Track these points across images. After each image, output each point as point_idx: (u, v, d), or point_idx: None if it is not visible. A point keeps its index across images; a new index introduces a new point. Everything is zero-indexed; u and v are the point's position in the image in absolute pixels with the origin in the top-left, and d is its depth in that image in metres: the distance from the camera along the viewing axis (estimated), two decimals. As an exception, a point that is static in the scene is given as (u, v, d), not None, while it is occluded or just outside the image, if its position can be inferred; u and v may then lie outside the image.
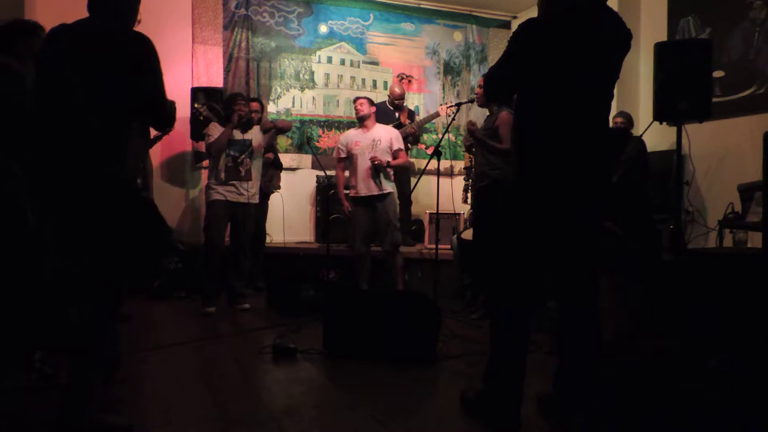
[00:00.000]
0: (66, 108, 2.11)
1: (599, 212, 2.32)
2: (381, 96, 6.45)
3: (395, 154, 4.71)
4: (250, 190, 4.54)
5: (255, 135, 4.62)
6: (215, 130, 4.48)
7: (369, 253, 4.78)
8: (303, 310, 4.28)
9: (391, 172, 4.74)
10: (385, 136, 4.71)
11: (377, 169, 4.61)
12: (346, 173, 4.95)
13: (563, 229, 2.23)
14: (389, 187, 4.71)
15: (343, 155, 4.83)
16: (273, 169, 5.43)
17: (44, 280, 2.72)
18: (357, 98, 4.85)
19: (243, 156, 4.51)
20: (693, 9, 5.13)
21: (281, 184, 5.61)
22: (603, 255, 2.69)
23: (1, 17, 2.82)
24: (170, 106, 2.48)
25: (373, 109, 4.80)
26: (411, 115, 5.94)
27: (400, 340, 3.21)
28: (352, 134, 4.82)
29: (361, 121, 4.76)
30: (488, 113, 4.18)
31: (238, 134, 4.51)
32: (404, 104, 5.93)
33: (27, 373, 2.63)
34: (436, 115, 5.71)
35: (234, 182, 4.48)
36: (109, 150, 2.14)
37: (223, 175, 4.46)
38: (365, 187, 4.66)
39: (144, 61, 2.16)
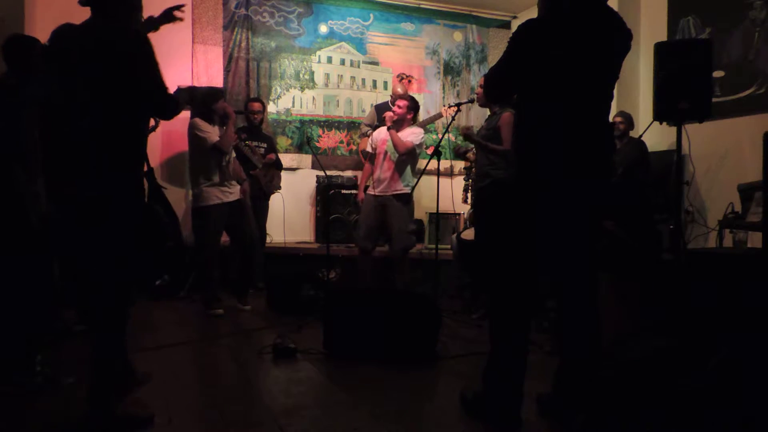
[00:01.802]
0: (69, 112, 2.15)
1: (599, 212, 2.32)
2: (381, 96, 6.45)
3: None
4: (236, 187, 4.54)
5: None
6: (207, 127, 4.41)
7: (373, 251, 4.77)
8: (303, 310, 4.28)
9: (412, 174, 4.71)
10: (404, 135, 4.64)
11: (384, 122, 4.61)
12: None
13: (563, 228, 2.23)
14: (404, 188, 4.64)
15: (371, 151, 4.84)
16: (273, 170, 5.43)
17: (45, 280, 2.72)
18: (400, 97, 4.83)
19: (228, 154, 4.51)
20: (693, 9, 5.13)
21: (281, 184, 5.60)
22: (603, 255, 2.69)
23: (1, 17, 2.82)
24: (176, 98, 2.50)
25: (411, 114, 4.73)
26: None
27: (400, 340, 3.21)
28: (383, 133, 4.74)
29: (396, 124, 4.65)
30: (489, 113, 4.18)
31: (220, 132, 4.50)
32: None
33: (28, 375, 2.63)
34: (439, 116, 5.71)
35: (227, 181, 4.46)
36: (117, 150, 2.17)
37: (218, 177, 4.42)
38: (380, 186, 4.66)
39: (131, 54, 2.17)
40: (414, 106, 4.76)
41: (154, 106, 2.33)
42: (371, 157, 4.85)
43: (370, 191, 4.73)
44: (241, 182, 4.71)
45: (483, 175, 4.04)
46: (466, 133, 4.20)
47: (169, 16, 2.60)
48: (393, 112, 4.68)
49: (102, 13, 2.21)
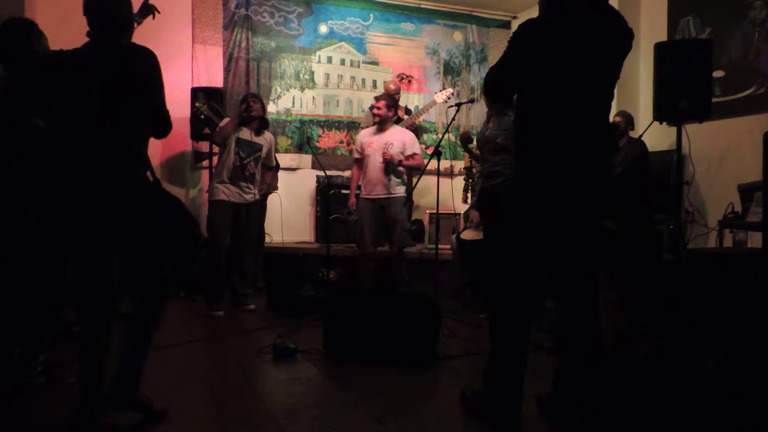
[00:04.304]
0: (84, 121, 2.19)
1: (599, 211, 2.32)
2: (381, 96, 6.45)
3: (409, 157, 4.68)
4: (252, 191, 4.56)
5: (266, 140, 4.64)
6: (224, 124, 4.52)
7: (375, 253, 4.79)
8: (303, 310, 4.28)
9: (404, 174, 4.75)
10: (398, 139, 4.68)
11: (388, 165, 4.62)
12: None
13: (563, 228, 2.23)
14: (399, 189, 4.70)
15: (358, 156, 4.84)
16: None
17: (45, 281, 2.72)
18: (377, 99, 4.82)
19: (250, 158, 4.51)
20: (693, 9, 5.13)
21: (279, 184, 5.60)
22: (603, 255, 2.69)
23: (2, 17, 2.81)
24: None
25: (391, 112, 4.76)
26: (407, 111, 5.94)
27: (400, 340, 3.21)
28: (367, 135, 4.81)
29: (379, 125, 4.74)
30: (490, 113, 4.16)
31: (247, 134, 4.52)
32: (400, 99, 5.92)
33: (30, 375, 2.63)
34: (433, 103, 5.69)
35: (239, 183, 4.48)
36: (130, 156, 2.23)
37: (226, 175, 4.45)
38: (374, 188, 4.68)
39: (146, 78, 2.23)
40: (392, 103, 4.79)
41: (154, 128, 2.35)
42: (359, 162, 4.85)
43: (365, 195, 4.73)
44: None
45: (493, 174, 3.95)
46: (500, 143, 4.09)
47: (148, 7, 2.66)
48: (373, 115, 4.74)
49: (105, 33, 2.24)
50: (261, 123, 4.59)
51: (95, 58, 2.20)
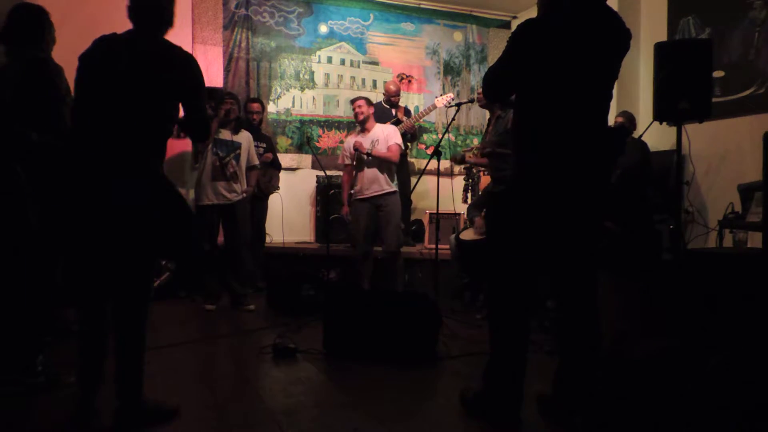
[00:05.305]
0: (114, 115, 2.20)
1: (599, 212, 2.32)
2: (381, 96, 6.45)
3: (388, 149, 4.74)
4: (237, 190, 4.55)
5: (245, 138, 4.64)
6: None
7: (372, 252, 4.80)
8: (303, 310, 4.29)
9: (392, 170, 4.78)
10: (382, 135, 4.76)
11: (359, 155, 4.68)
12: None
13: (563, 228, 2.23)
14: (392, 186, 4.75)
15: (348, 161, 4.85)
16: (272, 170, 5.43)
17: (45, 280, 2.72)
18: (355, 100, 4.83)
19: (229, 157, 4.51)
20: (693, 9, 5.12)
21: (280, 184, 5.60)
22: (603, 255, 2.68)
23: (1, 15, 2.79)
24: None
25: (372, 109, 4.82)
26: (407, 113, 5.95)
27: (400, 340, 3.21)
28: (354, 139, 4.84)
29: (362, 125, 4.78)
30: (489, 114, 4.16)
31: (227, 134, 4.53)
32: (399, 101, 5.92)
33: (30, 375, 2.63)
34: (433, 107, 5.70)
35: (221, 182, 4.47)
36: (150, 151, 2.26)
37: (207, 176, 4.46)
38: (370, 187, 4.69)
39: (196, 83, 2.32)
40: (369, 101, 4.84)
41: (195, 132, 2.53)
42: (349, 167, 4.87)
43: (361, 196, 4.75)
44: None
45: (499, 180, 3.91)
46: (486, 152, 4.12)
47: None
48: (356, 114, 4.77)
49: (145, 29, 2.27)
50: (237, 123, 4.62)
51: (133, 54, 2.20)
